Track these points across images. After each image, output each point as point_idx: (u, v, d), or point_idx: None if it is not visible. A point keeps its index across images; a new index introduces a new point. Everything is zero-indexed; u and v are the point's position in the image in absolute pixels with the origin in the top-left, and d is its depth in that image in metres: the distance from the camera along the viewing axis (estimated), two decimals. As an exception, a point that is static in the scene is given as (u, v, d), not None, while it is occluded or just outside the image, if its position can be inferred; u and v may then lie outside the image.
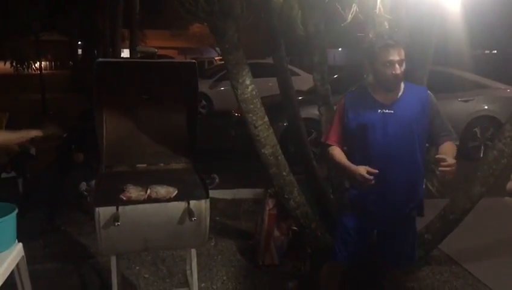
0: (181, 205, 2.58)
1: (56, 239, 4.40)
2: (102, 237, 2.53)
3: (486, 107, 7.71)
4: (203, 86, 13.10)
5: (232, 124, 8.29)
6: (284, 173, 3.64)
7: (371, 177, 2.39)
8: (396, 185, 2.51)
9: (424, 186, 2.69)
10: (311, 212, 3.79)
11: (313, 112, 5.50)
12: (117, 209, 2.49)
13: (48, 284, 3.55)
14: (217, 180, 2.89)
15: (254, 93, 3.52)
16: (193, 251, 2.88)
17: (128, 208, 2.51)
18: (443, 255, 4.06)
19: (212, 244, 4.28)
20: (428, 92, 2.60)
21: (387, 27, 3.03)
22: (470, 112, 7.55)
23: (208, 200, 2.63)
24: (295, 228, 4.02)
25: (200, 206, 2.61)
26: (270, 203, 3.82)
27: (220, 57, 25.68)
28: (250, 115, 3.53)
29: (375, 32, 2.98)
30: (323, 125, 3.79)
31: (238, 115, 8.44)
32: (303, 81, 10.94)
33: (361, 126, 2.53)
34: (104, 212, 2.47)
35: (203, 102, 12.93)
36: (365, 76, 3.33)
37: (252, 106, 3.51)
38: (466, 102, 7.61)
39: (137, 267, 3.87)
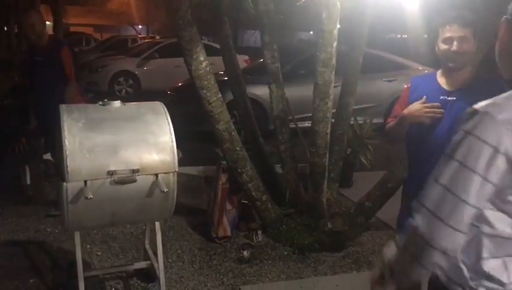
0: (149, 178, 2.62)
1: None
2: (69, 212, 2.51)
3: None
4: (129, 65, 12.75)
5: (167, 104, 8.18)
6: (238, 148, 3.77)
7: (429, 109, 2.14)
8: None
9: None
10: (262, 185, 3.95)
11: (251, 91, 5.68)
12: (85, 184, 2.47)
13: (-4, 268, 3.42)
14: (180, 155, 2.94)
15: (208, 69, 3.58)
16: (157, 224, 2.92)
17: (97, 182, 2.50)
18: (379, 222, 4.42)
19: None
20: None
21: (339, 7, 3.21)
22: (394, 90, 8.06)
23: (175, 173, 2.68)
24: (245, 201, 4.18)
25: (168, 178, 2.66)
26: (222, 178, 3.93)
27: (144, 35, 24.94)
28: (204, 91, 3.60)
29: (328, 13, 3.16)
30: (273, 102, 3.95)
31: (172, 94, 8.40)
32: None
33: None
34: (72, 187, 2.45)
35: (130, 81, 12.58)
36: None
37: (205, 82, 3.58)
38: (390, 82, 8.15)
39: (88, 246, 3.81)
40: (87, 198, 2.36)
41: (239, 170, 3.80)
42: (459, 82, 2.20)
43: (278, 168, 4.57)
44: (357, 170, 5.55)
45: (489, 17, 2.28)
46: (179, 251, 3.81)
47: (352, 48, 4.45)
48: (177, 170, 2.69)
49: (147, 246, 3.31)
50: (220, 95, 3.65)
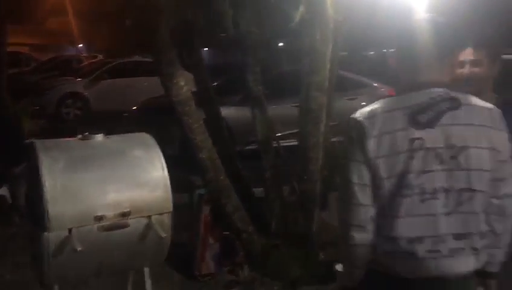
0: (142, 221, 2.32)
1: None
2: (51, 265, 2.16)
3: (367, 104, 8.36)
4: (77, 86, 12.15)
5: (123, 127, 7.78)
6: (221, 177, 3.52)
7: None
8: None
9: None
10: (247, 216, 3.71)
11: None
12: (69, 232, 2.14)
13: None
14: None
15: (189, 94, 3.34)
16: (146, 270, 2.60)
17: (83, 229, 2.17)
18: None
19: (136, 258, 3.95)
20: None
21: (331, 28, 3.07)
22: (355, 109, 8.05)
23: (170, 213, 2.40)
24: (226, 233, 3.91)
25: (163, 220, 2.38)
26: (205, 210, 3.65)
27: (86, 55, 23.98)
28: (186, 117, 3.34)
29: (321, 33, 3.00)
30: (257, 127, 3.74)
31: (129, 116, 8.00)
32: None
33: None
34: (54, 237, 2.11)
35: (79, 103, 11.95)
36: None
37: (187, 108, 3.33)
38: (351, 100, 8.16)
39: (57, 293, 3.40)
40: (75, 250, 2.03)
41: (223, 201, 3.54)
42: None
43: (258, 192, 4.34)
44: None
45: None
46: (161, 293, 3.47)
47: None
48: (171, 210, 2.41)
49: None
50: (201, 121, 3.41)
